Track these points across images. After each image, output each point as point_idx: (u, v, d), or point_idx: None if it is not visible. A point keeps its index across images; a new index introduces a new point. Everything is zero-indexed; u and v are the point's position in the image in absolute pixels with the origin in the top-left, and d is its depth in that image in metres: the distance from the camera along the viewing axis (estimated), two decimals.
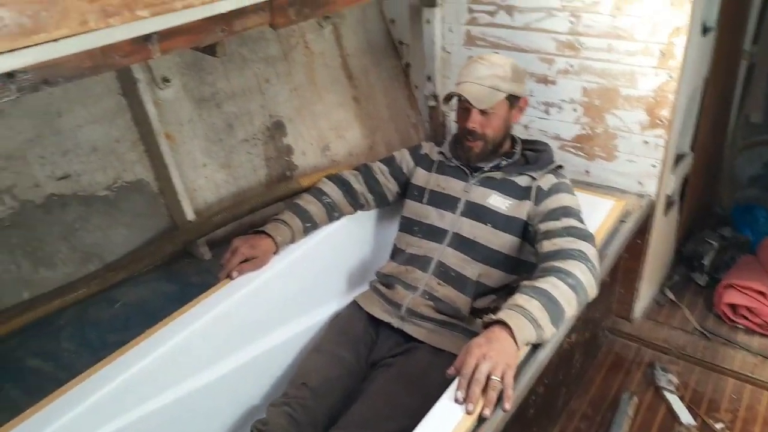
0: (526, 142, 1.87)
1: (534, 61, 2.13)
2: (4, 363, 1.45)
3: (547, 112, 2.20)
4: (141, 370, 1.35)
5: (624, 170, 2.11)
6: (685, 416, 1.94)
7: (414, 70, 2.56)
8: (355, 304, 1.80)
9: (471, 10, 2.21)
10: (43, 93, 1.59)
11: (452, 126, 2.37)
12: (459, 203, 1.76)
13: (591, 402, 2.06)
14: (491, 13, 2.16)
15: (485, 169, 1.78)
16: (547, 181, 1.71)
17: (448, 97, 1.72)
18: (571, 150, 2.19)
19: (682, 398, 2.02)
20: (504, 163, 1.78)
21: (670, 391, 2.04)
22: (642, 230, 2.11)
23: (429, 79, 2.39)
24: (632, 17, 1.89)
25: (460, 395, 1.17)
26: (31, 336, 1.52)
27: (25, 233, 1.61)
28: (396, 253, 1.85)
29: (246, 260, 1.64)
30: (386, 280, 1.77)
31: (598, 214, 1.89)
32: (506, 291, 1.65)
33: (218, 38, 1.35)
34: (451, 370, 1.23)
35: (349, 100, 2.41)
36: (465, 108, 1.71)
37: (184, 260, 1.89)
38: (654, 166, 2.04)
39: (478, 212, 1.73)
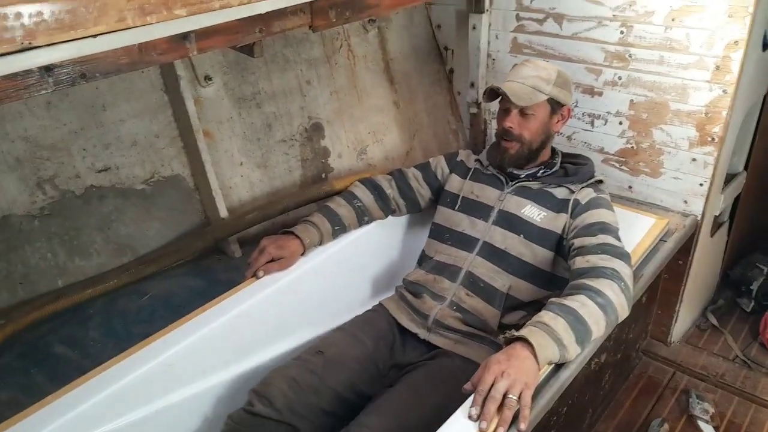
0: (567, 155, 1.82)
1: (580, 71, 2.08)
2: (34, 348, 1.49)
3: (591, 124, 2.14)
4: (161, 364, 1.36)
5: (669, 187, 2.04)
6: None
7: (457, 77, 2.53)
8: (381, 306, 1.77)
9: (519, 18, 2.18)
10: (90, 87, 1.64)
11: (493, 135, 2.34)
12: (492, 212, 1.73)
13: (618, 426, 1.98)
14: (540, 21, 2.13)
15: (521, 176, 1.74)
16: (585, 194, 1.67)
17: (489, 95, 1.69)
18: (615, 164, 2.13)
19: (717, 429, 1.93)
20: (541, 172, 1.74)
21: (705, 421, 1.95)
22: (685, 251, 2.03)
23: (472, 85, 2.36)
24: (687, 29, 1.83)
25: (474, 412, 1.14)
26: (62, 323, 1.56)
27: (63, 222, 1.65)
28: (424, 260, 1.83)
29: (273, 260, 1.65)
30: (413, 288, 1.74)
31: (637, 231, 1.83)
32: (537, 307, 1.57)
33: (256, 38, 1.36)
34: (467, 386, 1.20)
35: (390, 105, 2.40)
36: (505, 108, 1.69)
37: (215, 257, 1.91)
38: (701, 184, 1.97)
39: (510, 222, 1.69)
